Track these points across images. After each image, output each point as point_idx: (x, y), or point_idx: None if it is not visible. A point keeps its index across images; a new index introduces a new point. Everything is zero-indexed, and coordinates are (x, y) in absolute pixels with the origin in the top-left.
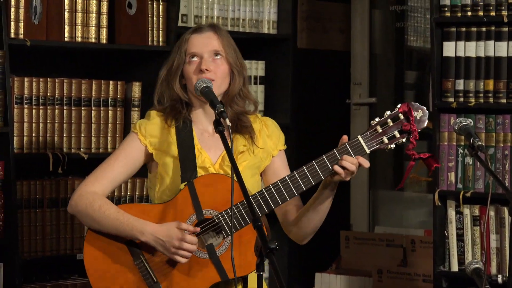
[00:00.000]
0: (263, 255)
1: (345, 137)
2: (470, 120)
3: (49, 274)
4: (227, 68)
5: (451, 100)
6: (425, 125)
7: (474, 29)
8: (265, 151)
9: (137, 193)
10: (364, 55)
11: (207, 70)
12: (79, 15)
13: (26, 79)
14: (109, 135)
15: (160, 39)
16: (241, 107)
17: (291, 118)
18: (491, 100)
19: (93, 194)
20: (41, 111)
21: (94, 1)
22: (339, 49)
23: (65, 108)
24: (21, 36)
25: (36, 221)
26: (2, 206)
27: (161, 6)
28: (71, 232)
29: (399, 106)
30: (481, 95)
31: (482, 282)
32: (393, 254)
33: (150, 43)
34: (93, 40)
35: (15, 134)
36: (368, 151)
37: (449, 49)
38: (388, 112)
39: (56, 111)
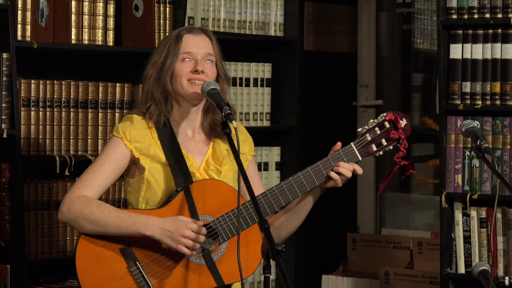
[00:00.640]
0: (269, 257)
1: (339, 144)
2: (477, 122)
3: (55, 276)
4: (215, 72)
5: (458, 102)
6: (409, 133)
7: (481, 32)
8: (242, 155)
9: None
10: (371, 57)
11: (202, 72)
12: (85, 17)
13: (33, 81)
14: None
15: None
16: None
17: (298, 120)
18: (497, 102)
19: (86, 197)
20: (48, 113)
21: (101, 4)
22: (346, 51)
23: (72, 110)
24: (28, 39)
25: (43, 223)
26: (9, 208)
27: (167, 8)
28: (78, 234)
29: (385, 114)
30: (488, 97)
31: (489, 284)
32: (400, 256)
33: (156, 46)
34: (99, 43)
35: (22, 136)
36: (360, 158)
37: (456, 51)
38: (374, 120)
39: (63, 113)
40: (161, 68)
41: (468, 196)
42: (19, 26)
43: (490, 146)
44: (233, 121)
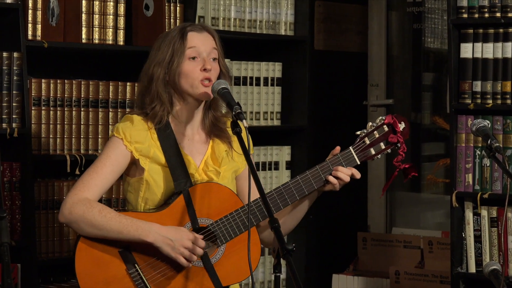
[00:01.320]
0: (280, 256)
1: (338, 148)
2: (488, 121)
3: (66, 275)
4: (219, 70)
5: (469, 101)
6: (408, 136)
7: (491, 31)
8: (240, 156)
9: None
10: (381, 57)
11: (210, 70)
12: (96, 17)
13: (43, 80)
14: None
15: None
16: (221, 111)
17: (308, 119)
18: (508, 101)
19: (88, 200)
20: (58, 112)
21: (111, 3)
22: (356, 51)
23: (82, 109)
24: (38, 38)
25: (53, 222)
26: (20, 208)
27: (178, 8)
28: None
29: (383, 118)
30: (499, 96)
31: (499, 283)
32: (410, 256)
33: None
34: (110, 42)
35: (32, 136)
36: (359, 163)
37: (467, 50)
38: (373, 124)
39: (74, 112)
40: (168, 67)
41: (478, 195)
42: (29, 25)
43: (501, 145)
44: (243, 120)
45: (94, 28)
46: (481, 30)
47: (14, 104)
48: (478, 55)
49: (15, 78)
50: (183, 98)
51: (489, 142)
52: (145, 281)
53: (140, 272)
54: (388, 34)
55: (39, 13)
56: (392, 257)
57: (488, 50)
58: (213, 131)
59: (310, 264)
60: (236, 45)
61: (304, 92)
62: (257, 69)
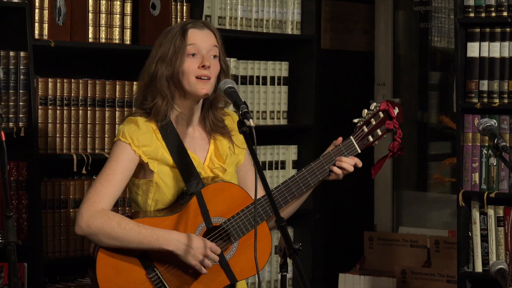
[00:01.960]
0: (286, 255)
1: (340, 139)
2: (494, 120)
3: (73, 274)
4: (219, 68)
5: (475, 100)
6: (402, 121)
7: (498, 30)
8: (239, 148)
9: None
10: (388, 56)
11: (208, 67)
12: (103, 16)
13: (50, 80)
14: None
15: None
16: (221, 109)
17: (315, 118)
18: None
19: (105, 211)
20: (65, 111)
21: (118, 2)
22: (363, 50)
23: (89, 108)
24: (45, 37)
25: (60, 221)
26: (27, 207)
27: (184, 7)
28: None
29: (378, 104)
30: (505, 95)
31: (506, 283)
32: (417, 255)
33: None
34: (117, 41)
35: (39, 135)
36: (359, 151)
37: (473, 49)
38: (369, 112)
39: (80, 111)
40: (170, 64)
41: (485, 194)
42: (36, 24)
43: (508, 145)
44: (250, 119)
45: (100, 28)
46: (487, 29)
47: (20, 103)
48: (485, 54)
49: (21, 77)
50: (184, 95)
51: (495, 141)
52: (165, 283)
53: (160, 276)
54: (395, 33)
55: (45, 13)
56: (399, 256)
57: (494, 49)
58: (213, 128)
59: (317, 263)
60: (243, 44)
61: (311, 92)
62: (264, 68)
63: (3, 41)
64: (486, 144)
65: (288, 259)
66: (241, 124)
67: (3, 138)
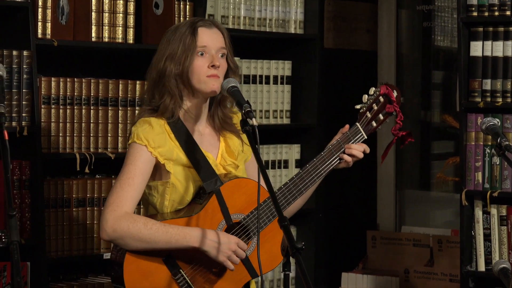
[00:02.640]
0: (289, 254)
1: (347, 127)
2: (497, 119)
3: (76, 273)
4: (226, 67)
5: (478, 100)
6: (400, 103)
7: (501, 29)
8: (246, 145)
9: None
10: (391, 55)
11: (218, 66)
12: (106, 15)
13: (53, 79)
14: None
15: None
16: (227, 106)
17: (318, 118)
18: None
19: (129, 214)
20: (68, 111)
21: (121, 1)
22: (366, 49)
23: (92, 108)
24: (48, 36)
25: (63, 220)
26: (29, 206)
27: (188, 6)
28: (98, 232)
29: (378, 89)
30: (508, 94)
31: (509, 282)
32: (420, 254)
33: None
34: (120, 40)
35: (42, 134)
36: (366, 137)
37: (476, 48)
38: (370, 97)
39: (83, 111)
40: (179, 63)
41: (488, 193)
42: (39, 24)
43: (511, 144)
44: (253, 119)
45: (103, 27)
46: (491, 28)
47: (24, 102)
48: (488, 53)
49: (25, 76)
50: (193, 93)
51: (498, 140)
52: (190, 284)
53: (186, 277)
54: (398, 32)
55: (49, 12)
56: (402, 255)
57: (498, 49)
58: (223, 126)
59: (319, 263)
60: (246, 43)
61: (314, 91)
62: (267, 67)
63: (6, 41)
64: (489, 143)
65: (291, 258)
66: (244, 123)
67: (6, 137)
